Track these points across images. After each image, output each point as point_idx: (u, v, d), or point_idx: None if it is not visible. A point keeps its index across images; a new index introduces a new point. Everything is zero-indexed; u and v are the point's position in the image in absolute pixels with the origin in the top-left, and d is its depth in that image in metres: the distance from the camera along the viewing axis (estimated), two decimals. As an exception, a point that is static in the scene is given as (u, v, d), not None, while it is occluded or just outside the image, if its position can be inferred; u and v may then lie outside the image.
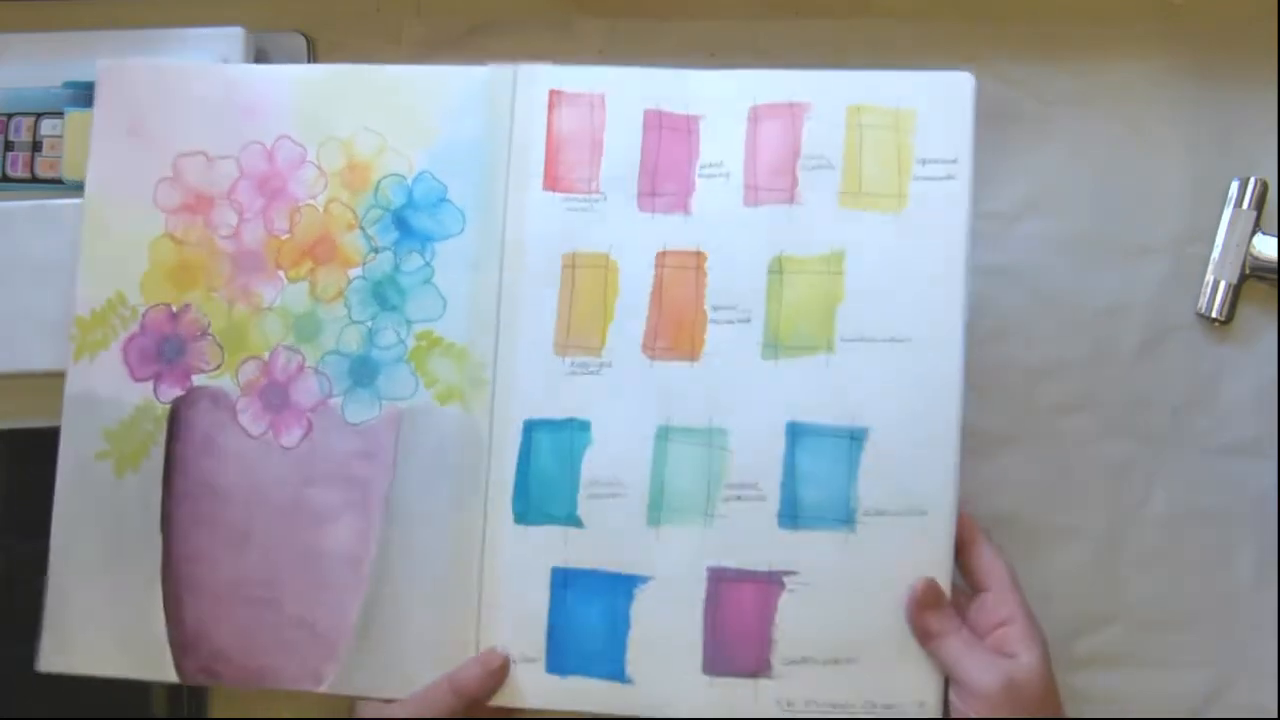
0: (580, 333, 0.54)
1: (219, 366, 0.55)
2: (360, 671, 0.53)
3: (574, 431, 0.55)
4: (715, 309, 0.53)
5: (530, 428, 0.56)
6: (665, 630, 0.53)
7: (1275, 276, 0.51)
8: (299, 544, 0.53)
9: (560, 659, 0.55)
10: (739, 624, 0.53)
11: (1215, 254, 0.52)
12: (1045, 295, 0.55)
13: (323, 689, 0.52)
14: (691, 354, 0.53)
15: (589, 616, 0.55)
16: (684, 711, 0.52)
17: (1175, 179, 0.53)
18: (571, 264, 0.54)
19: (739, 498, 0.56)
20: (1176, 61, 0.52)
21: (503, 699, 0.53)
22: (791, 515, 0.55)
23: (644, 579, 0.55)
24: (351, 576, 0.53)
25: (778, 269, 0.53)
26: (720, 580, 0.55)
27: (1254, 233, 0.51)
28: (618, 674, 0.55)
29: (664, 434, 0.55)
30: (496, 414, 0.56)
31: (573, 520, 0.56)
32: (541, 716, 0.53)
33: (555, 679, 0.54)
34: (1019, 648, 0.48)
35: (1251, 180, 0.52)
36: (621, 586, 0.55)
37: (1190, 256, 0.53)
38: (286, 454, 0.54)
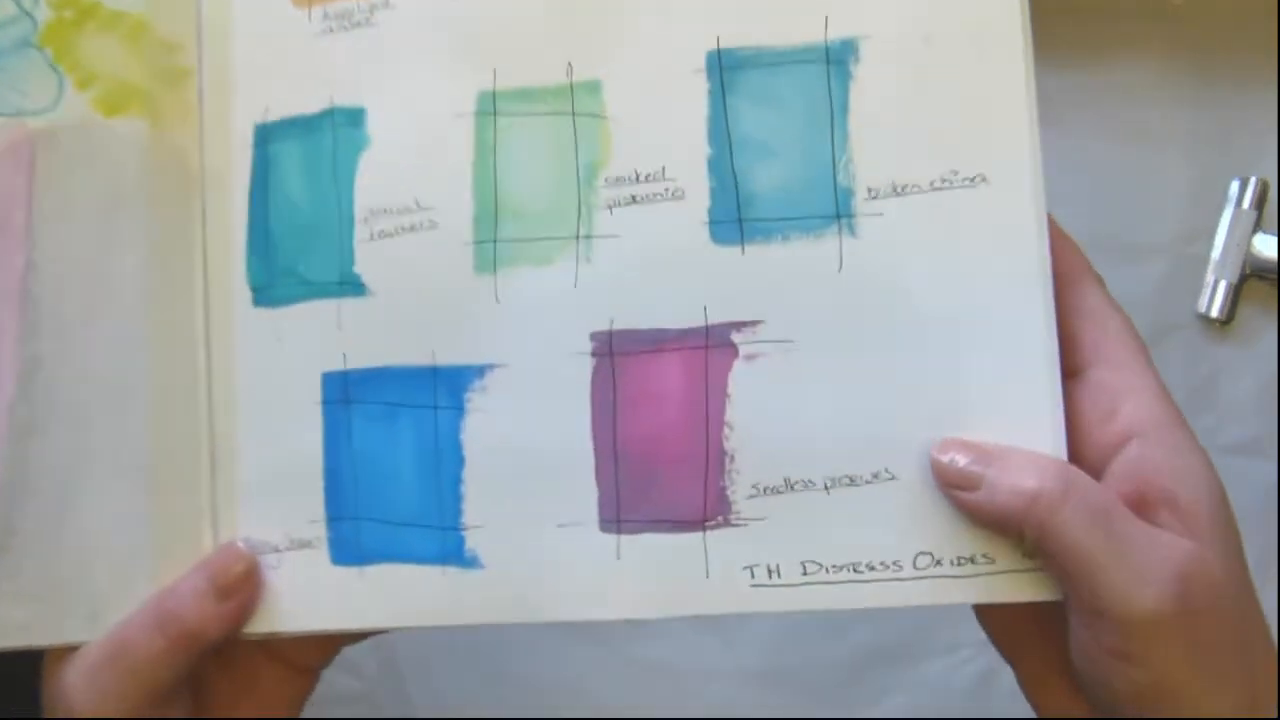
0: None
1: None
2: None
3: (337, 129, 0.40)
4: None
5: (264, 136, 0.41)
6: (528, 462, 0.38)
7: (1275, 276, 0.54)
8: None
9: (351, 538, 0.39)
10: (662, 433, 0.38)
11: (1215, 254, 0.56)
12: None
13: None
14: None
15: (394, 453, 0.39)
16: (576, 612, 0.38)
17: (1175, 179, 0.57)
18: None
19: (634, 200, 0.39)
20: (1176, 61, 0.56)
21: (262, 624, 0.39)
22: (733, 220, 0.38)
23: (480, 370, 0.39)
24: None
25: None
26: (619, 354, 0.38)
27: (1254, 233, 0.55)
28: (453, 553, 0.39)
29: (488, 105, 0.39)
30: (208, 124, 0.41)
31: (350, 285, 0.40)
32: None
33: (348, 574, 0.39)
34: (1180, 489, 0.32)
35: (1251, 180, 0.55)
36: (444, 390, 0.39)
37: (1190, 256, 0.56)
38: None
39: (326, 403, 0.39)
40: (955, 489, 0.34)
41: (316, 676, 0.40)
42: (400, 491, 0.38)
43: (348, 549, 0.38)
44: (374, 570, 0.38)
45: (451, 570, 0.38)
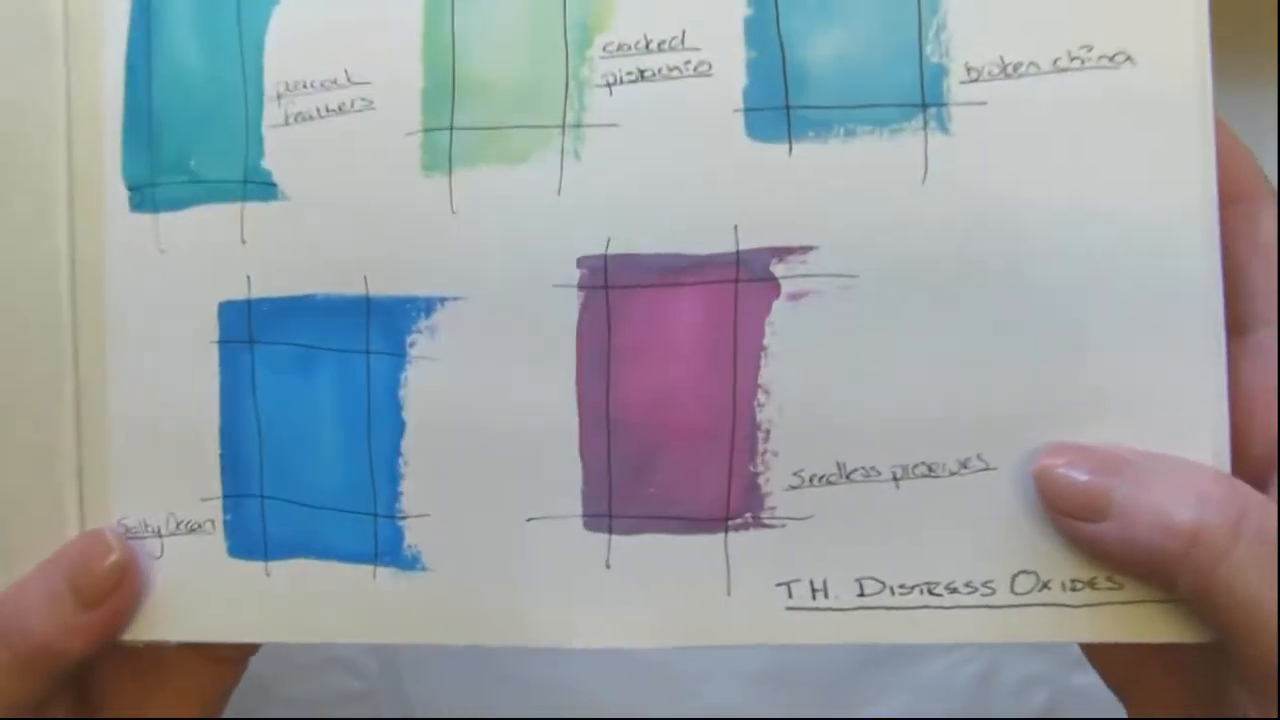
0: None
1: None
2: None
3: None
4: None
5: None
6: (490, 430, 0.31)
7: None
8: None
9: (255, 523, 0.32)
10: (673, 396, 0.30)
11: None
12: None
13: None
14: None
15: (312, 413, 0.32)
16: (548, 637, 0.31)
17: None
18: None
19: (641, 76, 0.30)
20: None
21: (141, 630, 0.32)
22: (777, 107, 0.30)
23: (427, 304, 0.31)
24: None
25: None
26: (617, 287, 0.30)
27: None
28: (388, 550, 0.31)
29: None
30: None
31: (257, 185, 0.32)
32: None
33: (250, 571, 0.32)
34: None
35: (1252, 182, 0.48)
36: (380, 330, 0.31)
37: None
38: None
39: (225, 342, 0.32)
40: (1069, 515, 0.28)
41: (243, 666, 0.35)
42: (320, 464, 0.31)
43: (250, 538, 0.32)
44: (283, 567, 0.32)
45: (385, 572, 0.31)
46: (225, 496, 0.32)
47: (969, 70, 0.28)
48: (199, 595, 0.32)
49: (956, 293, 0.28)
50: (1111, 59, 0.28)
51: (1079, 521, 0.27)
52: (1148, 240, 0.28)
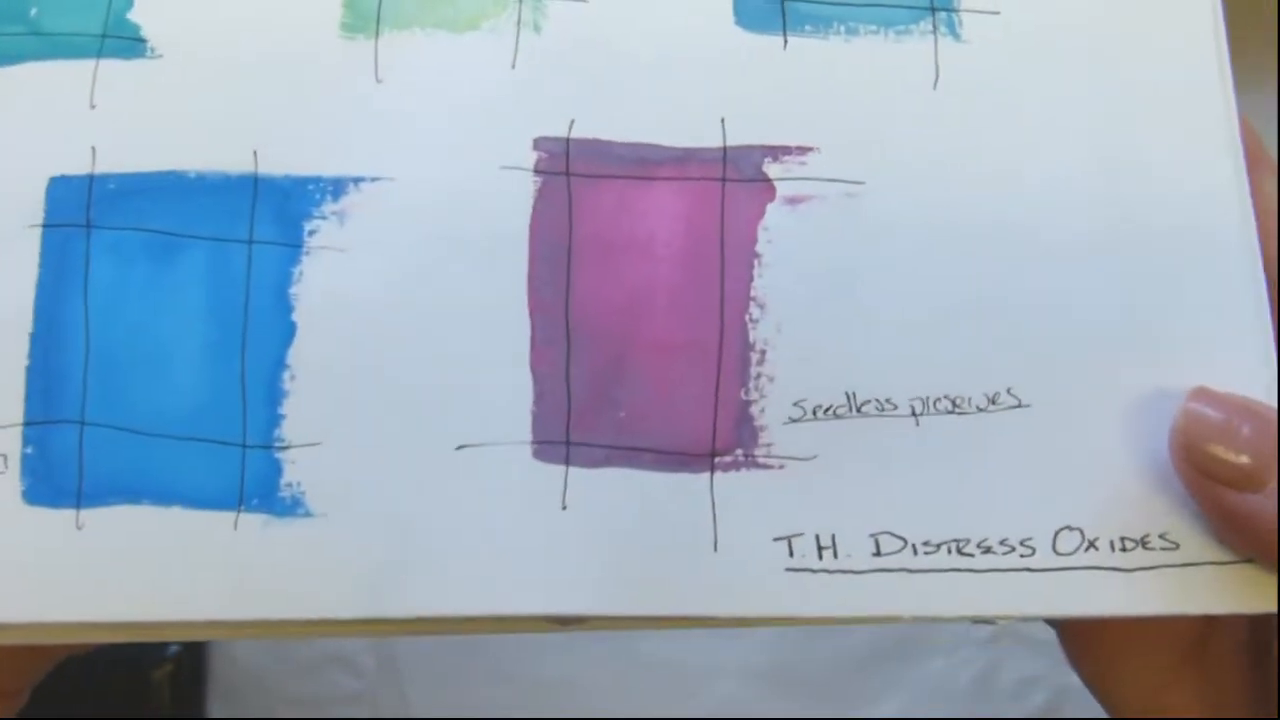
0: None
1: None
2: None
3: None
4: None
5: None
6: (412, 338, 0.29)
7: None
8: None
9: (65, 458, 0.29)
10: (647, 302, 0.30)
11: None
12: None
13: None
14: None
15: (162, 314, 0.29)
16: (482, 603, 0.28)
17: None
18: None
19: None
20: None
21: None
22: None
23: (338, 185, 0.29)
24: None
25: None
26: (581, 175, 0.30)
27: (1254, 233, 0.63)
28: (258, 489, 0.28)
29: None
30: None
31: (120, 40, 0.30)
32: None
33: (56, 522, 0.28)
34: None
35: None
36: (270, 215, 0.29)
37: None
38: None
39: (50, 226, 0.30)
40: (1216, 478, 0.28)
41: (20, 699, 0.32)
42: (169, 380, 0.29)
43: (57, 478, 0.29)
44: (101, 517, 0.29)
45: (251, 520, 0.28)
46: (28, 424, 0.29)
47: None
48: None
49: (974, 205, 0.30)
50: None
51: (1224, 487, 0.28)
52: (1169, 159, 0.30)
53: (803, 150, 0.30)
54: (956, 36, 0.31)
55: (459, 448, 0.28)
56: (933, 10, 0.31)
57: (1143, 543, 0.28)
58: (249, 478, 0.28)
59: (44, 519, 0.28)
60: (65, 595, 0.28)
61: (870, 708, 0.58)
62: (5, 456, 0.28)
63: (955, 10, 0.31)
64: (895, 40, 0.31)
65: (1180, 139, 0.31)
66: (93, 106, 0.30)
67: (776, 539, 0.28)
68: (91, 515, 0.28)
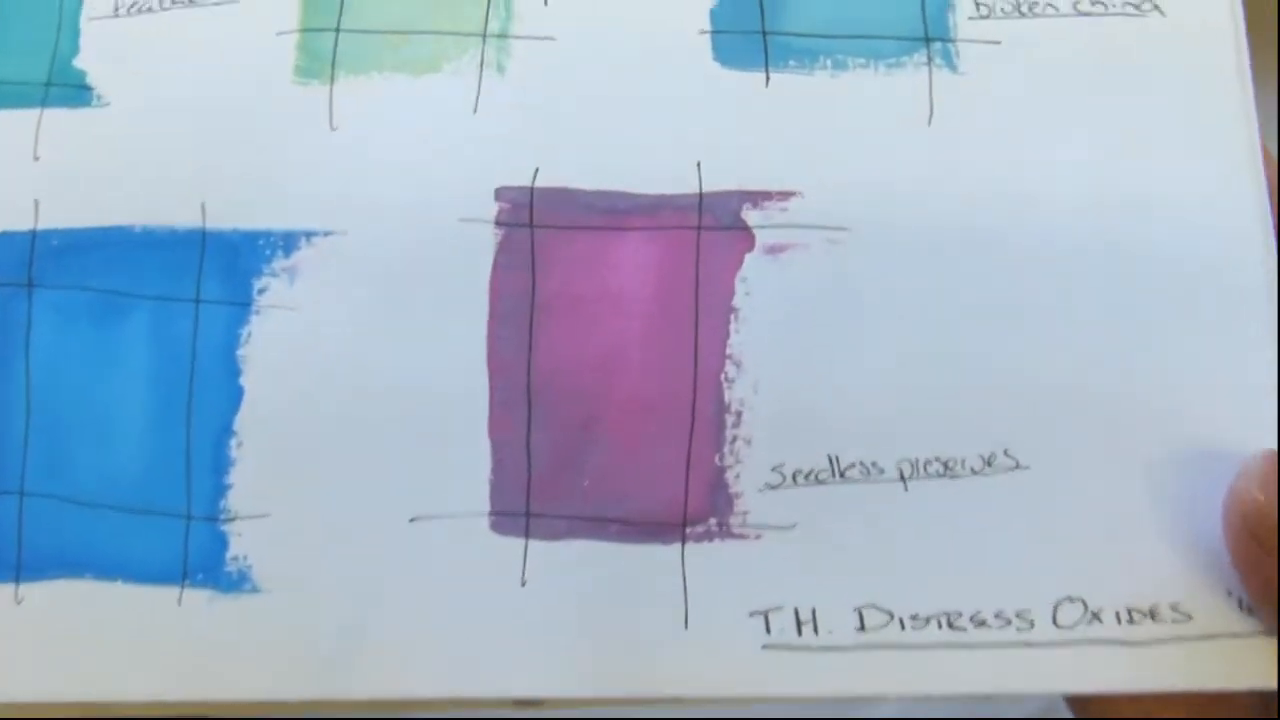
0: None
1: None
2: None
3: None
4: None
5: None
6: (365, 401, 0.28)
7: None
8: None
9: (4, 530, 0.28)
10: (615, 362, 0.29)
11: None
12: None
13: None
14: None
15: (106, 378, 0.29)
16: (437, 684, 0.27)
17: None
18: None
19: None
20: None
21: None
22: (751, 31, 0.30)
23: (289, 240, 0.29)
24: None
25: None
26: (545, 227, 0.29)
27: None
28: (203, 564, 0.28)
29: None
30: None
31: (64, 87, 0.30)
32: None
33: (11, 594, 0.28)
34: None
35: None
36: (218, 272, 0.29)
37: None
38: None
39: None
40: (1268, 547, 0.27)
41: None
42: (113, 449, 0.29)
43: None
44: (42, 591, 0.28)
45: (196, 596, 0.28)
46: None
47: (979, 5, 0.31)
48: None
49: (968, 252, 0.29)
50: (1137, 7, 0.31)
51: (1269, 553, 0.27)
52: (1182, 202, 0.29)
53: (784, 195, 0.29)
54: (953, 69, 0.30)
55: (413, 520, 0.28)
56: (927, 41, 0.30)
57: (1152, 614, 0.27)
58: (193, 551, 0.28)
59: None
60: (2, 673, 0.28)
61: (870, 708, 0.53)
62: None
63: (952, 41, 0.30)
64: (886, 74, 0.30)
65: (1197, 177, 0.29)
66: (36, 158, 0.30)
67: (753, 614, 0.27)
68: (31, 589, 0.28)
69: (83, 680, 0.28)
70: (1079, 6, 0.31)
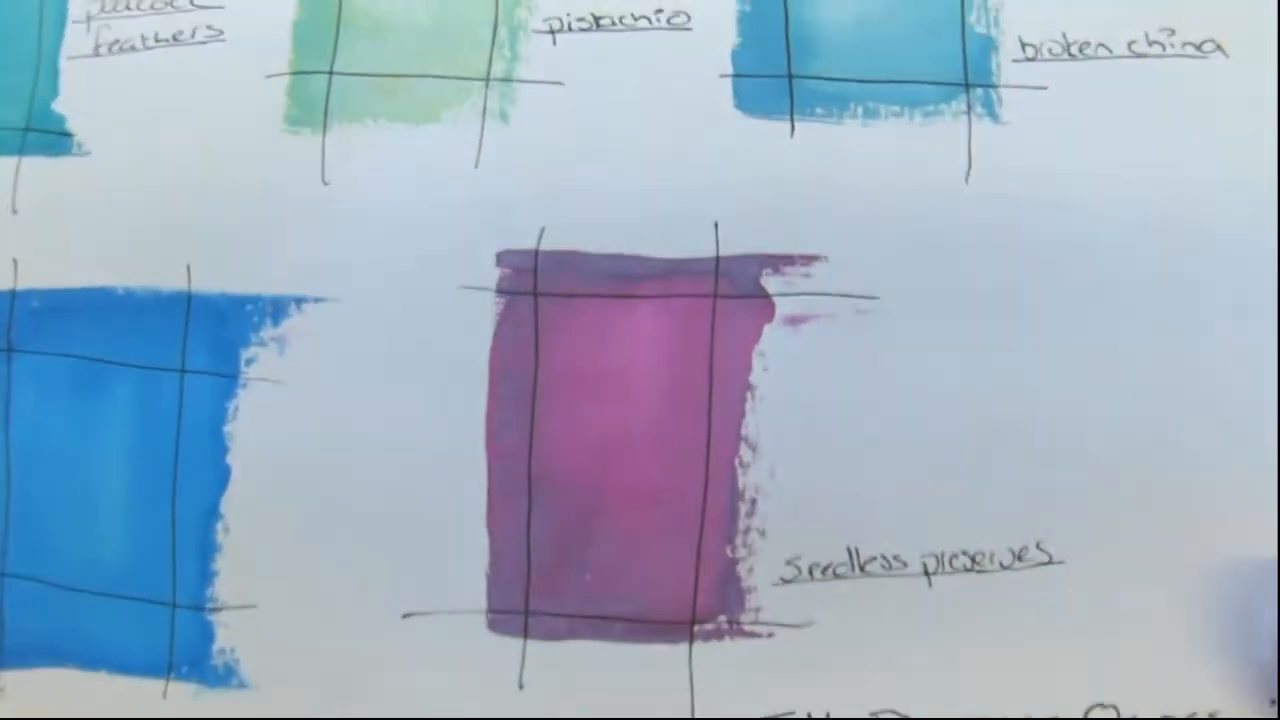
0: None
1: None
2: None
3: None
4: None
5: None
6: (357, 486, 0.27)
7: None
8: None
9: None
10: (623, 446, 0.27)
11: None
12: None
13: None
14: None
15: (89, 453, 0.28)
16: None
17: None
18: None
19: (597, 24, 0.29)
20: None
21: None
22: (777, 75, 0.28)
23: (279, 306, 0.28)
24: None
25: None
26: (550, 295, 0.28)
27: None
28: (192, 659, 0.27)
29: None
30: None
31: (44, 131, 0.29)
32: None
33: None
34: None
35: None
36: (204, 341, 0.28)
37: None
38: None
39: None
40: None
41: None
42: (96, 530, 0.28)
43: None
44: (23, 681, 0.27)
45: (182, 690, 0.27)
46: None
47: (1024, 46, 0.29)
48: None
49: (1007, 323, 0.28)
50: (1199, 47, 0.29)
51: None
52: (1239, 257, 0.28)
53: (807, 260, 0.28)
54: (995, 118, 0.28)
55: (406, 615, 0.27)
56: (967, 87, 0.28)
57: None
58: (179, 642, 0.27)
59: None
60: None
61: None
62: None
63: (994, 86, 0.28)
64: (922, 123, 0.28)
65: (1254, 239, 0.27)
66: (15, 211, 0.29)
67: None
68: (12, 678, 0.28)
69: None
70: (1134, 47, 0.29)
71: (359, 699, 0.27)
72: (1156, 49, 0.29)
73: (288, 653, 0.27)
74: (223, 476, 0.27)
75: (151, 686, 0.27)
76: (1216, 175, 0.28)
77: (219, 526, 0.27)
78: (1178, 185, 0.28)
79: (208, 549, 0.27)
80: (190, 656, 0.27)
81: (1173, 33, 0.29)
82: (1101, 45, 0.29)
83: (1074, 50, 0.29)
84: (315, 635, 0.27)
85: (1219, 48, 0.29)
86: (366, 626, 0.27)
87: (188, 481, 0.28)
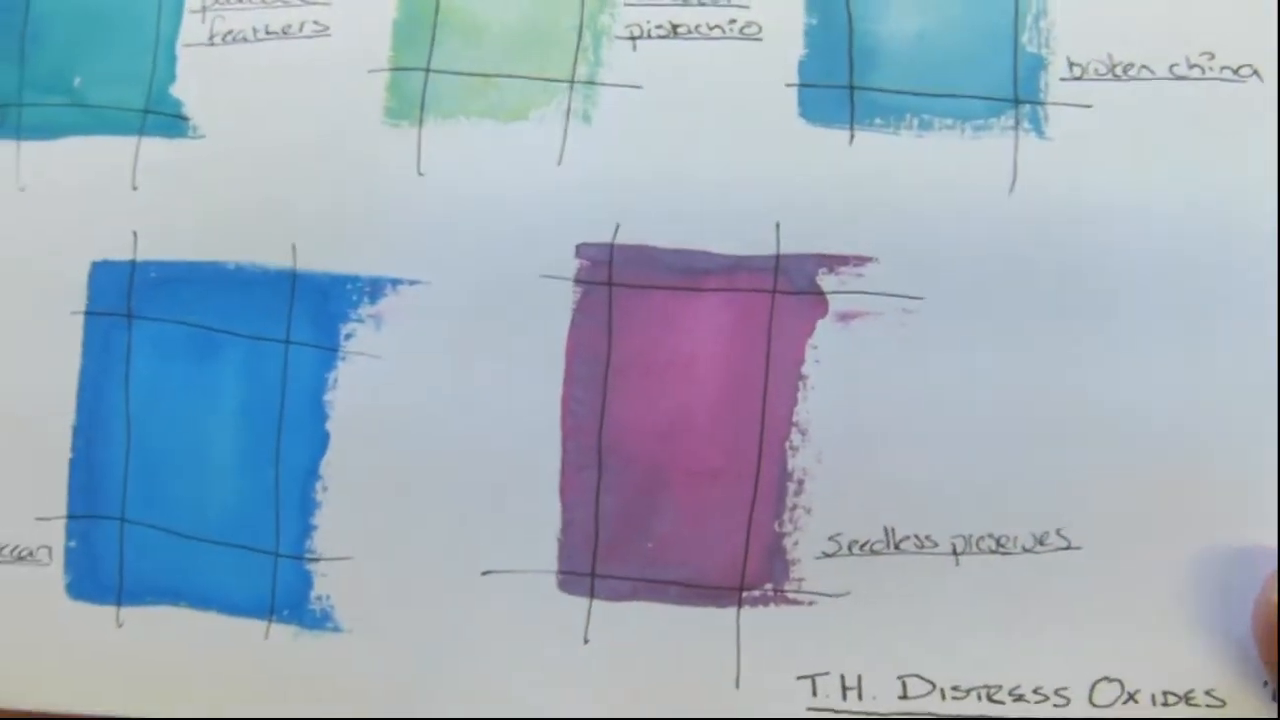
0: None
1: None
2: None
3: None
4: None
5: None
6: (443, 454, 0.30)
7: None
8: None
9: (107, 555, 0.30)
10: (685, 427, 0.30)
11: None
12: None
13: None
14: None
15: (202, 414, 0.30)
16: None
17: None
18: None
19: (674, 31, 0.31)
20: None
21: None
22: (839, 85, 0.30)
23: (376, 286, 0.30)
24: None
25: None
26: (624, 285, 0.30)
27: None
28: (289, 600, 0.30)
29: None
30: None
31: (162, 116, 0.31)
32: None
33: (96, 618, 0.30)
34: None
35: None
36: (307, 315, 0.30)
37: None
38: None
39: (93, 313, 0.31)
40: None
41: None
42: (207, 482, 0.31)
43: (99, 574, 0.31)
44: (141, 616, 0.30)
45: (282, 630, 0.30)
46: (71, 517, 0.31)
47: (1072, 66, 0.31)
48: (21, 648, 0.31)
49: (1041, 326, 0.30)
50: (1236, 71, 0.30)
51: None
52: (1269, 273, 0.29)
53: (860, 261, 0.30)
54: (1040, 134, 0.30)
55: (485, 573, 0.30)
56: (1016, 103, 0.30)
57: (1186, 698, 0.29)
58: (280, 588, 0.30)
59: (86, 614, 0.31)
60: (103, 691, 0.30)
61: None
62: (49, 549, 0.31)
63: (1042, 103, 0.30)
64: (972, 136, 0.30)
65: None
66: (135, 187, 0.32)
67: (800, 677, 0.29)
68: (131, 613, 0.31)
69: (174, 702, 0.30)
70: (1175, 70, 0.30)
71: (440, 645, 0.29)
72: (1196, 72, 0.30)
73: (378, 603, 0.30)
74: (322, 441, 0.30)
75: (255, 626, 0.30)
76: (1248, 195, 0.30)
77: (318, 485, 0.30)
78: (1209, 201, 0.30)
79: (308, 505, 0.30)
80: (290, 601, 0.30)
81: (1212, 56, 0.30)
82: (1145, 67, 0.30)
83: (1118, 71, 0.30)
84: (403, 586, 0.30)
85: (1255, 72, 0.30)
86: (449, 581, 0.30)
87: (290, 444, 0.30)
